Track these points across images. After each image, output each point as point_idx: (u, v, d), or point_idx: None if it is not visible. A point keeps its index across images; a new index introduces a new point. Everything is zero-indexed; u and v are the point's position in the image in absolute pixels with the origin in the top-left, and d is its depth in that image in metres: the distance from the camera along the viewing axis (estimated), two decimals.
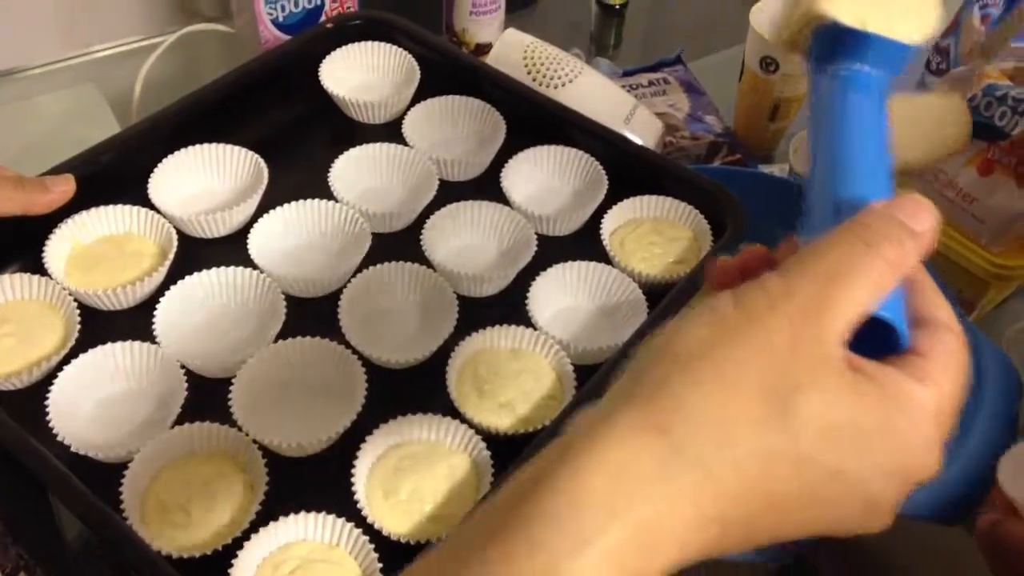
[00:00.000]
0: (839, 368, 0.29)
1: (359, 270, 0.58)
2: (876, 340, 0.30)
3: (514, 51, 0.76)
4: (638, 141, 0.72)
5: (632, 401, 0.29)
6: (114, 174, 0.60)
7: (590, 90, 0.75)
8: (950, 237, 0.71)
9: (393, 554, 0.46)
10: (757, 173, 0.81)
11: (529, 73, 0.75)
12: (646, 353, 0.30)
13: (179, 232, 0.59)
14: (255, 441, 0.49)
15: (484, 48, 0.94)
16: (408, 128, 0.67)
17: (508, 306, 0.58)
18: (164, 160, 0.61)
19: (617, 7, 1.03)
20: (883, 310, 0.30)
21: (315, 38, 0.71)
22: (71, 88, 0.86)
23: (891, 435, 0.29)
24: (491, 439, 0.51)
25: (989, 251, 0.70)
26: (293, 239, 0.60)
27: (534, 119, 0.67)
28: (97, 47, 0.94)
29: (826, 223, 0.31)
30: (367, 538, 0.47)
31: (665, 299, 0.56)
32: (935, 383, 0.30)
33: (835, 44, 0.35)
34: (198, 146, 0.62)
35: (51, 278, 0.56)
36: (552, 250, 0.61)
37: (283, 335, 0.54)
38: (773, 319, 0.29)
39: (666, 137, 0.84)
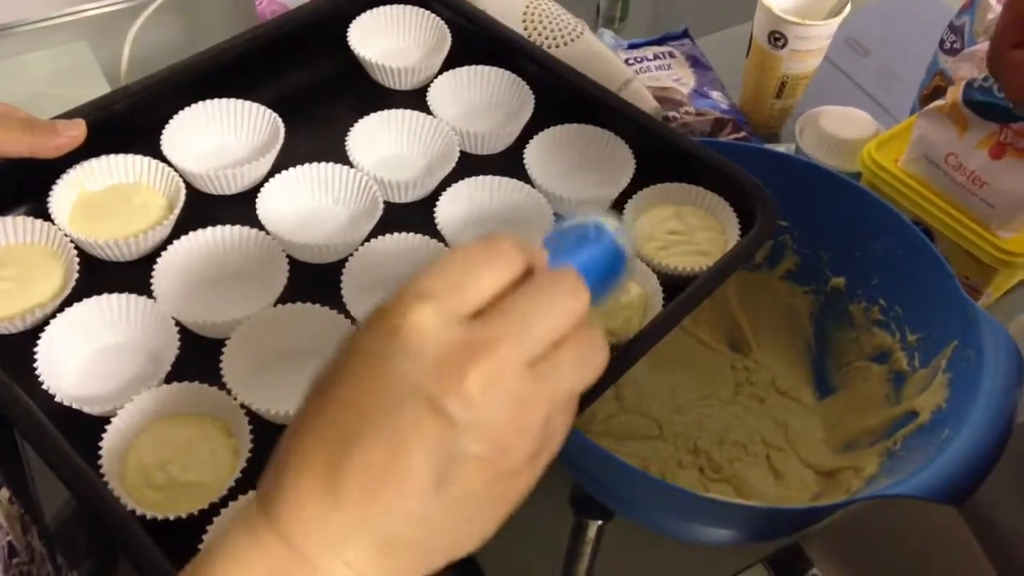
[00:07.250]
0: None
1: (368, 239, 0.56)
2: None
3: (516, 2, 0.73)
4: None
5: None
6: (128, 123, 0.59)
7: (587, 55, 0.71)
8: (957, 221, 0.68)
9: None
10: (762, 149, 0.76)
11: (526, 29, 0.72)
12: None
13: (189, 187, 0.58)
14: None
15: None
16: (433, 96, 0.64)
17: None
18: (179, 112, 0.60)
19: None
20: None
21: None
22: (62, 47, 0.84)
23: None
24: None
25: (997, 236, 0.67)
26: (303, 203, 0.58)
27: (564, 95, 0.64)
28: (90, 5, 0.91)
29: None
30: None
31: (687, 290, 0.53)
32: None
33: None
34: (215, 100, 0.61)
35: (55, 224, 0.55)
36: None
37: (283, 299, 0.53)
38: None
39: (670, 112, 0.81)
